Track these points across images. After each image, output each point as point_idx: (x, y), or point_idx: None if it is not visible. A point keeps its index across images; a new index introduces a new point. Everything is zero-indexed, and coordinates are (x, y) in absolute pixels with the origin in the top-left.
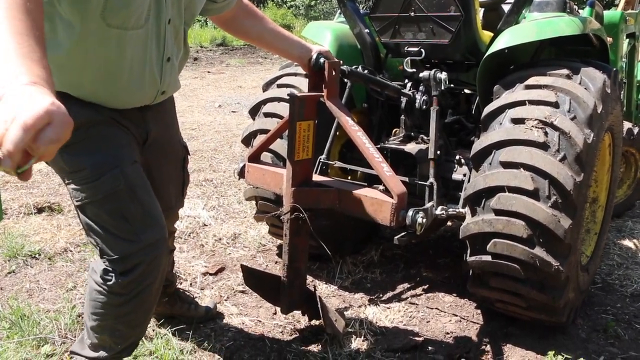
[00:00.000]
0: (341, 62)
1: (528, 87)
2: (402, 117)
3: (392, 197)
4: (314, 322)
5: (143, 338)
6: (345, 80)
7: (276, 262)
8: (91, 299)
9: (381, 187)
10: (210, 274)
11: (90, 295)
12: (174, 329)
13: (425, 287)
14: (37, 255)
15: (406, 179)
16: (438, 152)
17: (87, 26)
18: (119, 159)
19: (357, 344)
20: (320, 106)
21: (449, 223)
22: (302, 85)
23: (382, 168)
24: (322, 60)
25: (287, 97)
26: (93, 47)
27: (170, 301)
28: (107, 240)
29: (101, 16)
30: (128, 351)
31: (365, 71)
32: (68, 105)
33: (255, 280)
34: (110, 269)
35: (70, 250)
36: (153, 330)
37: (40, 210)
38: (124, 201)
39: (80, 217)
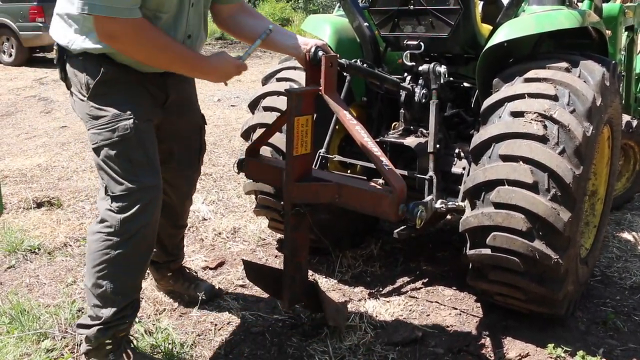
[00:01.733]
0: (338, 55)
1: (527, 80)
2: (402, 110)
3: (391, 191)
4: (314, 315)
5: (143, 332)
6: (345, 73)
7: (276, 256)
8: (91, 252)
9: (381, 180)
10: (210, 268)
11: (90, 248)
12: (174, 323)
13: (425, 280)
14: (36, 250)
15: (406, 173)
16: (437, 145)
17: None
18: (135, 113)
19: (357, 337)
20: (319, 99)
21: (448, 216)
22: (301, 78)
23: (381, 162)
24: (320, 53)
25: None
26: None
27: (174, 277)
28: (113, 178)
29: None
30: (128, 311)
31: (364, 65)
32: (103, 64)
33: (257, 274)
34: (110, 209)
35: (70, 245)
36: (153, 324)
37: (39, 205)
38: (131, 147)
39: (94, 159)
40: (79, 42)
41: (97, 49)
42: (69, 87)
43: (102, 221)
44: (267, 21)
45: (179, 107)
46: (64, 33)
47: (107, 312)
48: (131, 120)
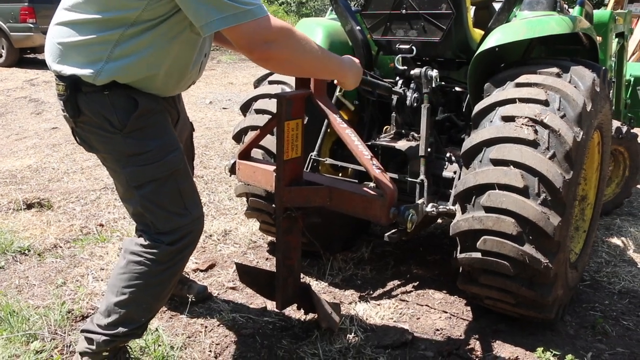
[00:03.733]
0: None
1: (518, 85)
2: (393, 114)
3: (382, 194)
4: (304, 318)
5: None
6: None
7: (267, 259)
8: (125, 272)
9: (372, 184)
10: (201, 270)
11: (126, 268)
12: (164, 325)
13: (415, 284)
14: (26, 251)
15: (396, 176)
16: (429, 149)
17: (181, 35)
18: (177, 142)
19: (348, 340)
20: (310, 103)
21: (439, 220)
22: (293, 81)
23: (372, 166)
24: None
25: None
26: (178, 50)
27: None
28: (161, 215)
29: (190, 26)
30: (142, 330)
31: None
32: (135, 95)
33: (250, 277)
34: (159, 240)
35: (60, 246)
36: None
37: (29, 206)
38: (181, 179)
39: (135, 197)
40: (107, 72)
41: (129, 76)
42: (79, 122)
43: (147, 246)
44: None
45: (182, 120)
46: (82, 64)
47: (122, 330)
48: (178, 151)
